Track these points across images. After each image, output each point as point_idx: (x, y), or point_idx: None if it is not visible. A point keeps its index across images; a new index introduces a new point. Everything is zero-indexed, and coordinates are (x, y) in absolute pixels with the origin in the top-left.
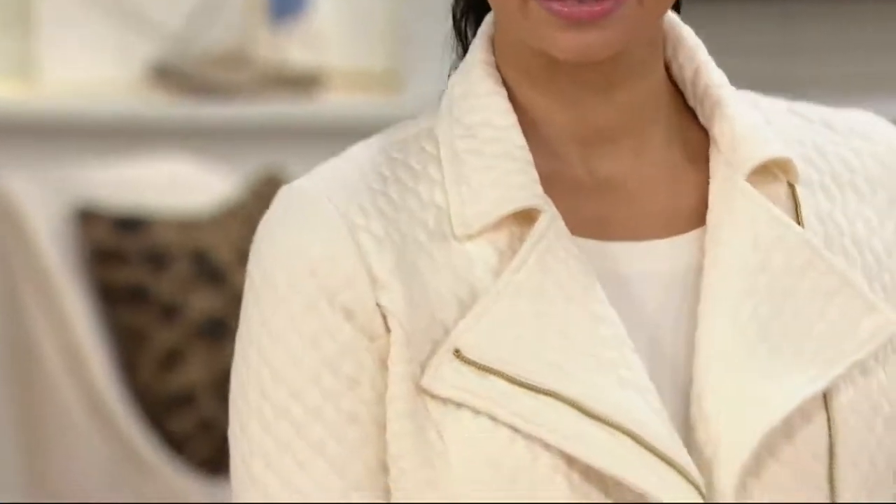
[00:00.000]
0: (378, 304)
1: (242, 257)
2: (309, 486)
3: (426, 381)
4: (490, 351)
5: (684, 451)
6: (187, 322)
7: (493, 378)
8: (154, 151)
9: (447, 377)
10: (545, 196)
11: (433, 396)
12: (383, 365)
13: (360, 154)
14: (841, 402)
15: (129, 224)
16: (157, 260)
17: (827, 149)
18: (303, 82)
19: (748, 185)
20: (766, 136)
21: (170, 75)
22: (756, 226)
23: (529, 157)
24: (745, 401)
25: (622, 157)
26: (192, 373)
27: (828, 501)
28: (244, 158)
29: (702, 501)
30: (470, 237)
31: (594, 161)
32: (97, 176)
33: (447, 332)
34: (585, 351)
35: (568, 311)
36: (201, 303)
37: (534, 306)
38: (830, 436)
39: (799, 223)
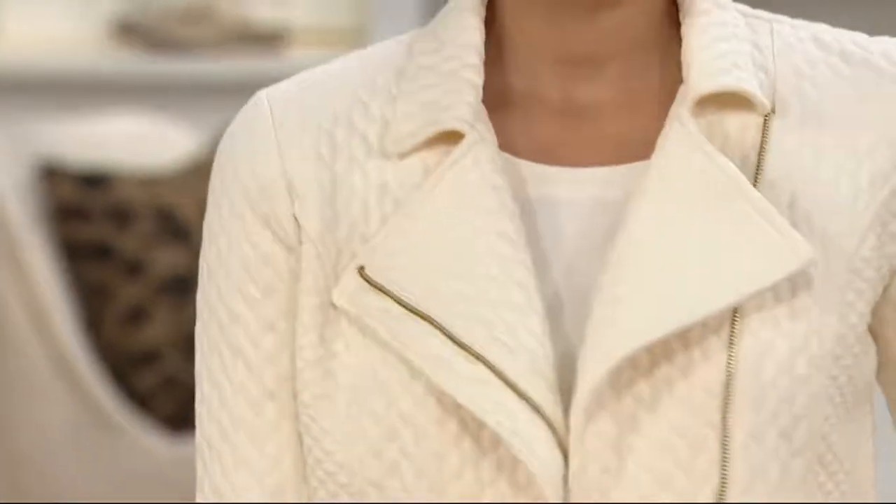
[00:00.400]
0: (294, 216)
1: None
2: (228, 389)
3: (335, 294)
4: (387, 271)
5: (545, 384)
6: (151, 279)
7: (386, 299)
8: (118, 108)
9: (349, 292)
10: (474, 119)
11: (339, 309)
12: (297, 276)
13: (374, 53)
14: (745, 343)
15: (93, 181)
16: (122, 217)
17: (826, 82)
18: (267, 38)
19: (687, 116)
20: (722, 67)
21: (134, 31)
22: (683, 157)
23: (474, 77)
24: (617, 323)
25: (602, 81)
26: (157, 330)
27: (719, 441)
28: (209, 115)
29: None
30: (402, 155)
31: (571, 84)
32: (61, 132)
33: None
34: (478, 275)
35: (470, 235)
36: (166, 260)
37: (438, 229)
38: (728, 373)
39: (761, 156)
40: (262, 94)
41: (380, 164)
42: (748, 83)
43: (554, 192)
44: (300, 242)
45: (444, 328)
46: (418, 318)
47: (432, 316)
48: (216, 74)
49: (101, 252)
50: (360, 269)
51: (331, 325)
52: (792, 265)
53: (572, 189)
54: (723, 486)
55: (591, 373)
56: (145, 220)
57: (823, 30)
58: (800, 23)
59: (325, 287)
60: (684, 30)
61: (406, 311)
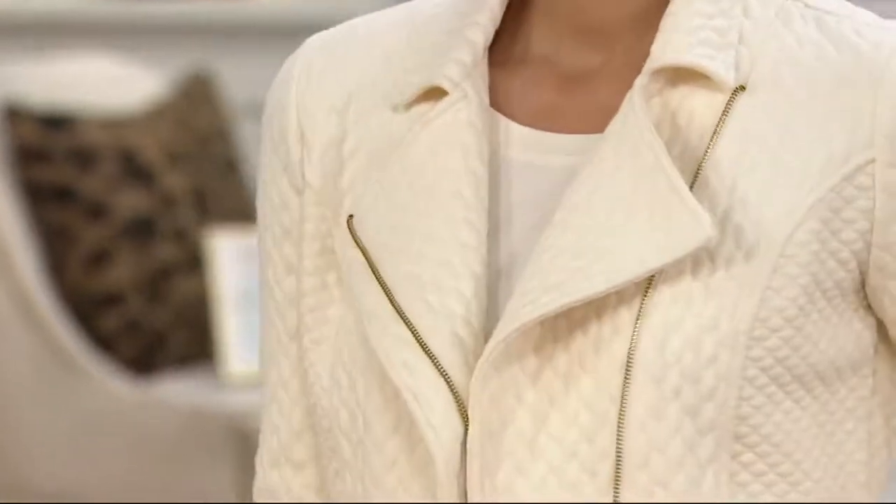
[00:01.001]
0: (301, 163)
1: (170, 157)
2: (266, 327)
3: (335, 243)
4: (362, 224)
5: (459, 348)
6: (115, 222)
7: (357, 252)
8: (81, 49)
9: (340, 241)
10: (462, 77)
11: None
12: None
13: (421, 6)
14: (653, 318)
15: (56, 122)
16: (84, 159)
17: (809, 64)
18: None
19: (637, 89)
20: (687, 43)
21: None
22: (622, 130)
23: (476, 35)
24: (529, 292)
25: (606, 51)
26: (120, 272)
27: (618, 414)
28: (173, 57)
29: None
30: (406, 107)
31: (580, 52)
32: (23, 73)
33: None
34: (426, 234)
35: (428, 195)
36: (129, 202)
37: (403, 185)
38: (632, 347)
39: (714, 135)
40: (306, 43)
41: (388, 116)
42: (708, 60)
43: (537, 158)
44: (304, 190)
45: (385, 286)
46: (371, 275)
47: (380, 272)
48: (181, 15)
49: (64, 194)
50: (349, 219)
51: (332, 271)
52: (692, 244)
53: (554, 155)
54: (618, 459)
55: (495, 338)
56: (108, 162)
57: (837, 10)
58: (825, 2)
59: (326, 232)
60: (675, 2)
61: (366, 266)
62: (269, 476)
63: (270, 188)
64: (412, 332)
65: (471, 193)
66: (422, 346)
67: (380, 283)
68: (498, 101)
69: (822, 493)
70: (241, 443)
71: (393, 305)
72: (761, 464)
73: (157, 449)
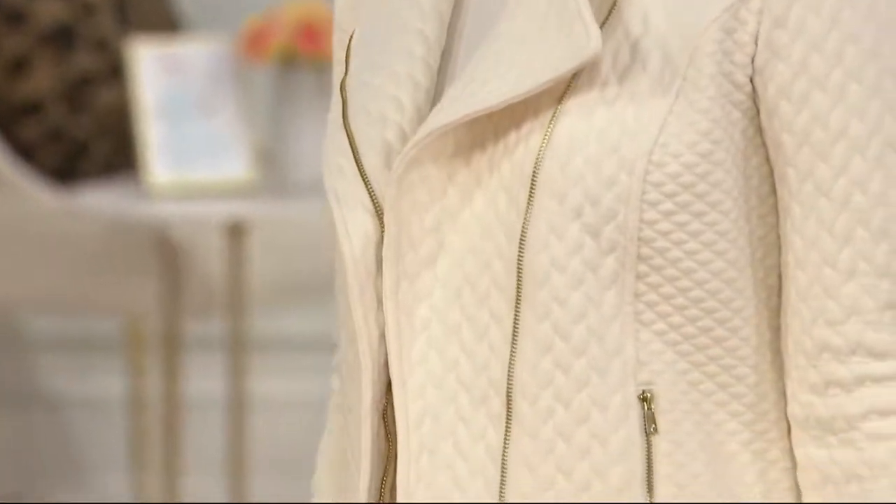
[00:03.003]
0: None
1: None
2: None
3: None
4: (355, 39)
5: (381, 158)
6: (34, 29)
7: (342, 66)
8: None
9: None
10: None
11: None
12: None
13: None
14: (558, 133)
15: None
16: None
17: None
18: None
19: None
20: None
21: None
22: None
23: None
24: (448, 99)
25: None
26: (40, 80)
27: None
28: None
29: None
30: None
31: None
32: None
33: None
34: (389, 45)
35: (401, 5)
36: (48, 9)
37: (379, 19)
38: (538, 160)
39: None
40: None
41: None
42: None
43: None
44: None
45: (344, 97)
46: (338, 89)
47: (345, 83)
48: None
49: None
50: (351, 36)
51: None
52: (578, 59)
53: None
54: (519, 276)
55: (411, 142)
56: None
57: None
58: None
59: None
60: None
61: (338, 78)
62: None
63: None
64: (349, 138)
65: (428, 4)
66: (353, 152)
67: (342, 94)
68: None
69: (739, 321)
70: (164, 253)
71: (344, 114)
72: (669, 287)
73: (79, 258)
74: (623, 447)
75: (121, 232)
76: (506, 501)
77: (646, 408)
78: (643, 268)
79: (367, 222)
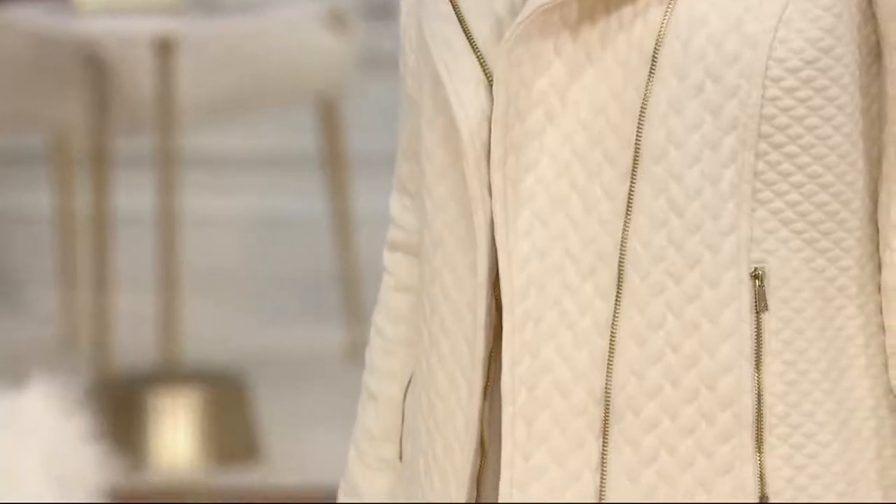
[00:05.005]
0: None
1: None
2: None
3: None
4: None
5: (495, 23)
6: None
7: None
8: None
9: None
10: None
11: None
12: None
13: None
14: (679, 10)
15: None
16: None
17: None
18: None
19: None
20: None
21: None
22: None
23: None
24: None
25: None
26: None
27: (638, 110)
28: None
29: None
30: None
31: None
32: None
33: None
34: None
35: None
36: None
37: None
38: (659, 37)
39: None
40: None
41: None
42: None
43: None
44: None
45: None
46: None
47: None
48: None
49: None
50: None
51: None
52: None
53: None
54: (637, 151)
55: (523, 14)
56: None
57: None
58: None
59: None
60: None
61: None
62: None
63: None
64: (454, 8)
65: None
66: (461, 22)
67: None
68: None
69: (850, 193)
70: (92, 69)
71: (460, 21)
72: (788, 164)
73: (6, 72)
74: (733, 324)
75: (49, 47)
76: (612, 373)
77: (757, 285)
78: (763, 146)
79: (480, 94)
